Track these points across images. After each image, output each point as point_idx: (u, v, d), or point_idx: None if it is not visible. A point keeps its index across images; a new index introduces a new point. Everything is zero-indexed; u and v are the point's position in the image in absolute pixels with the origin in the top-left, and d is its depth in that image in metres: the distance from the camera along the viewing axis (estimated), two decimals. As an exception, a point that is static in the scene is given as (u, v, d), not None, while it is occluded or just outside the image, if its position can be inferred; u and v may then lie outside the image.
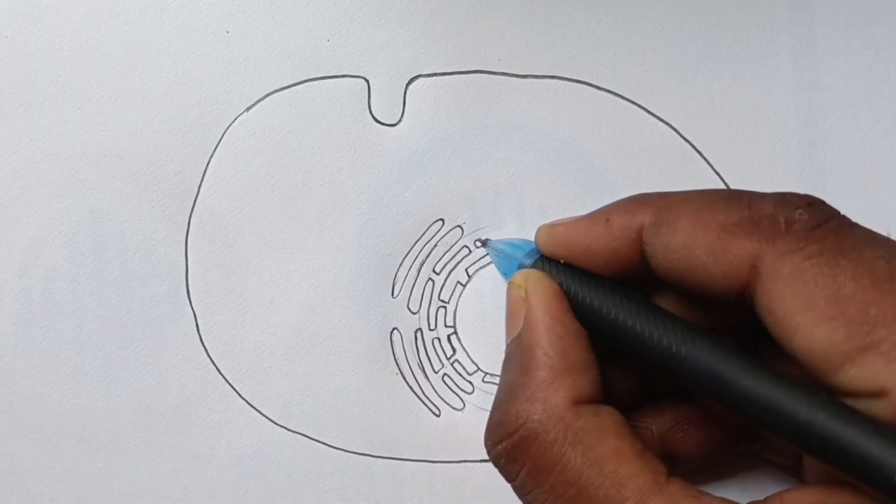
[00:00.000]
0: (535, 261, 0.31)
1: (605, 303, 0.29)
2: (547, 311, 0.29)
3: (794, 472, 0.33)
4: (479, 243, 0.35)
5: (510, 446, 0.28)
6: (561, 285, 0.30)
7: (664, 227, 0.28)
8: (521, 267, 0.32)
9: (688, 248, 0.28)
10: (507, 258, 0.33)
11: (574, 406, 0.28)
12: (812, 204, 0.27)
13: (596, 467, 0.27)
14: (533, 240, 0.32)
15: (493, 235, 0.35)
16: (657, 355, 0.28)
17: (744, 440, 0.33)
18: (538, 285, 0.30)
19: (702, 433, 0.32)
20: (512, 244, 0.34)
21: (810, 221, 0.27)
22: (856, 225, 0.27)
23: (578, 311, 0.30)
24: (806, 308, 0.25)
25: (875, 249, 0.26)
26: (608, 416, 0.28)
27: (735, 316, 0.30)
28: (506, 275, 0.34)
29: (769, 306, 0.26)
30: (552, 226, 0.31)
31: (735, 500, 0.26)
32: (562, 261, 0.31)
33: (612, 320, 0.29)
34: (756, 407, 0.26)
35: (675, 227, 0.28)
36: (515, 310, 0.30)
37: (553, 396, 0.28)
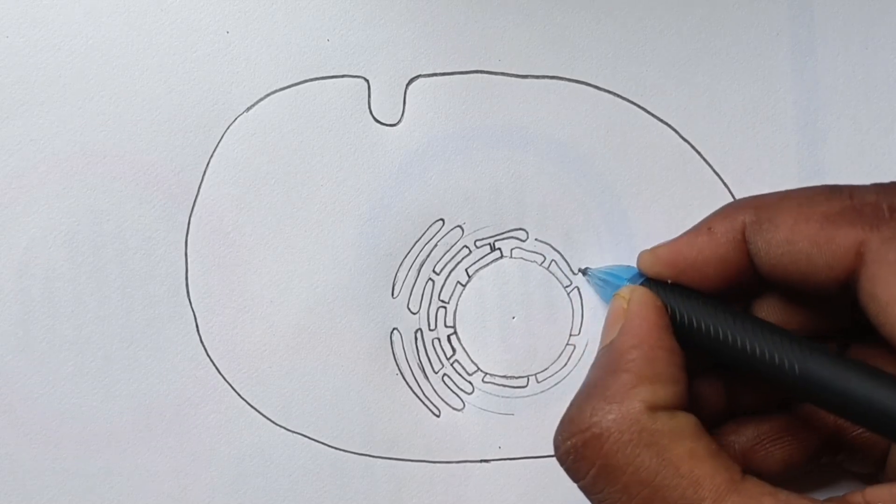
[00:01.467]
0: (644, 281, 0.31)
1: (714, 321, 0.29)
2: (643, 322, 0.29)
3: (874, 481, 0.33)
4: (578, 272, 0.35)
5: (580, 443, 0.28)
6: (666, 305, 0.30)
7: (766, 223, 0.28)
8: None
9: (791, 242, 0.28)
10: (609, 287, 0.33)
11: (650, 410, 0.28)
12: None
13: (671, 468, 0.27)
14: (633, 265, 0.32)
15: (493, 234, 0.36)
16: (772, 373, 0.28)
17: (826, 453, 0.32)
18: (641, 298, 0.30)
19: (784, 449, 0.32)
20: (614, 272, 0.33)
21: None
22: None
23: (684, 331, 0.30)
24: None
25: None
26: (683, 420, 0.28)
27: (837, 318, 0.30)
28: (608, 302, 0.34)
29: (873, 292, 0.26)
30: (655, 248, 0.31)
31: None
32: (669, 281, 0.31)
33: (721, 339, 0.29)
34: (881, 417, 0.26)
35: (776, 223, 0.28)
36: (614, 318, 0.30)
37: (631, 399, 0.28)
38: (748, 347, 0.28)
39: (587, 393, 0.29)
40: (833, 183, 0.36)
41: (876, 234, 0.26)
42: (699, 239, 0.30)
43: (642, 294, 0.30)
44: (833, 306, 0.28)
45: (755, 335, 0.28)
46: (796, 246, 0.28)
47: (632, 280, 0.32)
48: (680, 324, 0.30)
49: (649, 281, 0.31)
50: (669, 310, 0.30)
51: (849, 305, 0.28)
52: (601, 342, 0.31)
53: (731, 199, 0.36)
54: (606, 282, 0.33)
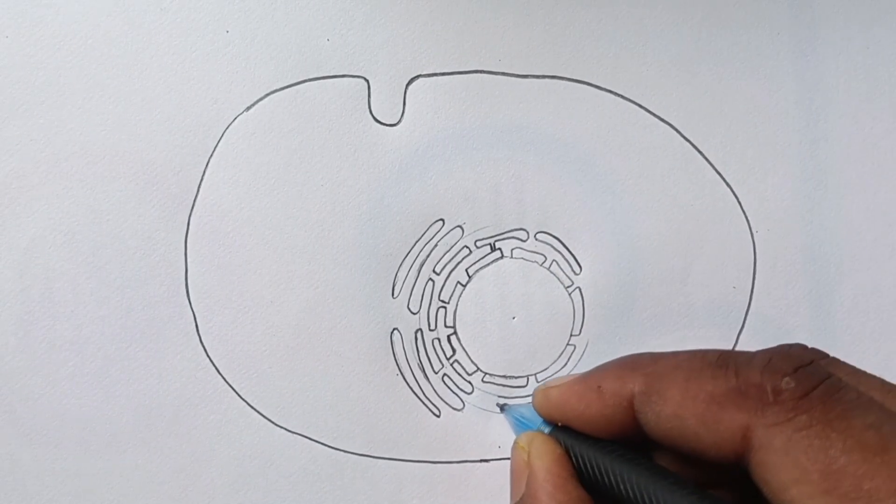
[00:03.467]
0: (552, 429, 0.31)
1: (610, 468, 0.29)
2: (548, 478, 0.29)
3: None
4: (497, 406, 0.35)
5: None
6: (569, 450, 0.30)
7: (654, 395, 0.28)
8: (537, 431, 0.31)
9: (679, 418, 0.28)
10: (525, 425, 0.33)
11: None
12: (799, 369, 0.27)
13: None
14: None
15: (493, 234, 0.35)
16: None
17: None
18: (542, 449, 0.30)
19: None
20: (530, 410, 0.32)
21: (798, 389, 0.26)
22: (846, 386, 0.26)
23: (586, 474, 0.29)
24: (799, 481, 0.25)
25: (865, 416, 0.25)
26: None
27: (732, 474, 0.29)
28: None
29: (764, 477, 0.26)
30: (546, 389, 0.31)
31: None
32: (559, 424, 0.30)
33: (618, 486, 0.29)
34: None
35: (664, 397, 0.28)
36: (519, 473, 0.30)
37: None
38: (641, 497, 0.28)
39: None
40: (833, 182, 0.36)
41: (760, 418, 0.26)
42: (588, 394, 0.30)
43: (542, 444, 0.30)
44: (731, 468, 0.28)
45: (649, 485, 0.28)
46: (684, 422, 0.27)
47: (546, 423, 0.31)
48: (583, 470, 0.29)
49: (556, 427, 0.31)
50: (573, 455, 0.30)
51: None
52: (511, 497, 0.30)
53: (734, 199, 0.36)
54: (522, 421, 0.33)
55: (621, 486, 0.28)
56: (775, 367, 0.27)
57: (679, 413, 0.27)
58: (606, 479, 0.29)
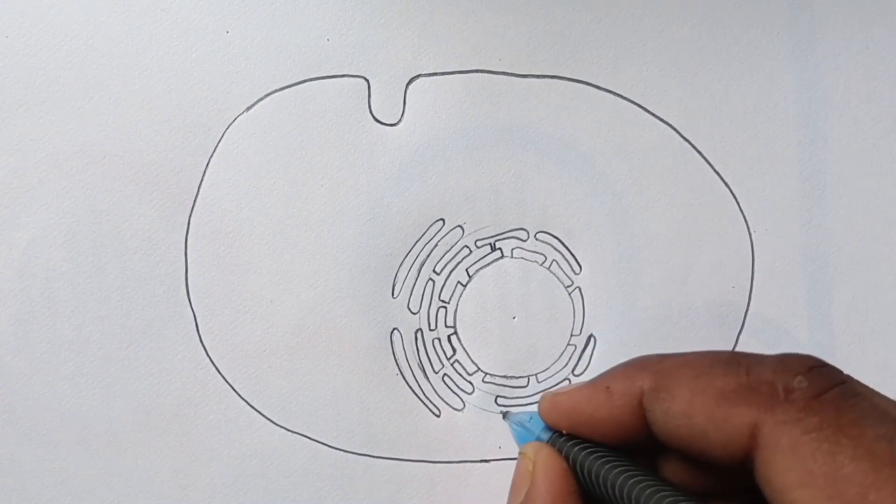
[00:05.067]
0: (552, 436, 0.31)
1: (612, 480, 0.29)
2: (549, 490, 0.29)
3: None
4: (500, 414, 0.35)
5: None
6: (573, 462, 0.30)
7: (663, 392, 0.28)
8: (537, 440, 0.31)
9: (687, 416, 0.27)
10: (526, 433, 0.32)
11: None
12: (813, 369, 0.26)
13: None
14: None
15: (493, 234, 0.35)
16: None
17: None
18: (546, 461, 0.30)
19: None
20: (531, 418, 0.32)
21: (810, 390, 0.26)
22: (861, 395, 0.26)
23: (588, 485, 0.29)
24: (803, 484, 0.25)
25: (878, 427, 0.25)
26: None
27: (743, 480, 0.29)
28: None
29: (768, 477, 0.25)
30: (554, 395, 0.30)
31: None
32: (564, 432, 0.30)
33: (620, 500, 0.28)
34: None
35: (673, 394, 0.27)
36: (520, 482, 0.30)
37: None
38: None
39: None
40: (833, 182, 0.36)
41: (770, 416, 0.25)
42: (597, 396, 0.29)
43: (547, 456, 0.30)
44: (737, 471, 0.28)
45: (655, 500, 0.27)
46: (692, 420, 0.27)
47: (546, 430, 0.31)
48: (586, 481, 0.29)
49: (558, 435, 0.31)
50: (578, 468, 0.30)
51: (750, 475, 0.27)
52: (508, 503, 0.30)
53: (732, 199, 0.36)
54: (524, 428, 0.32)
55: (624, 501, 0.28)
56: (788, 366, 0.26)
57: (687, 410, 0.27)
58: (608, 492, 0.29)
